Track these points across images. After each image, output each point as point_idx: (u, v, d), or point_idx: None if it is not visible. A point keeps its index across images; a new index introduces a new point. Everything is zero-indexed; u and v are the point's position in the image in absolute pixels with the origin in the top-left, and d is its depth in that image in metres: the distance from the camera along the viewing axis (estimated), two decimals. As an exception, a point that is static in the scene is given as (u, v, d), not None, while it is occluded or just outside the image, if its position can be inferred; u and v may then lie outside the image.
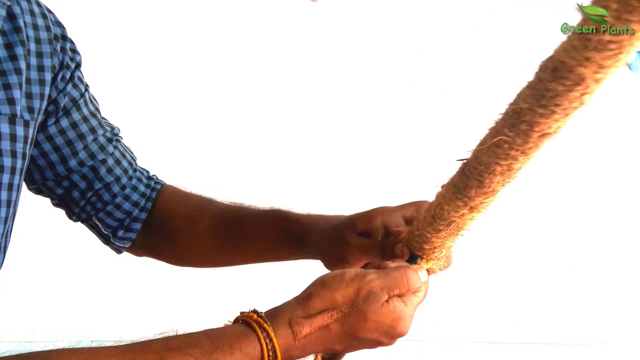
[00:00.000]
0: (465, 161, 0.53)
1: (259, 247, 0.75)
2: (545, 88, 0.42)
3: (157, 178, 0.84)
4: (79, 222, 0.80)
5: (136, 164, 0.82)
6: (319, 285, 0.54)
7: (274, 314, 0.52)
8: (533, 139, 0.45)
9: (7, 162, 0.61)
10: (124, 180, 0.77)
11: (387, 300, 0.54)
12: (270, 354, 0.50)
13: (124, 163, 0.78)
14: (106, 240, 0.80)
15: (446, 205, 0.55)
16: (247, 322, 0.52)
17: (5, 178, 0.61)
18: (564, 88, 0.41)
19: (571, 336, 2.20)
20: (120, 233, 0.79)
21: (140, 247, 0.82)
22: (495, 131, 0.48)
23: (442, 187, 0.57)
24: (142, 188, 0.79)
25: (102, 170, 0.74)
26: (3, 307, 1.76)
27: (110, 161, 0.75)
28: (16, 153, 0.62)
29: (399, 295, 0.55)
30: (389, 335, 0.55)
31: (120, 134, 0.80)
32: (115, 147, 0.77)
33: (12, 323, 1.78)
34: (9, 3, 0.63)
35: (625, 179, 2.19)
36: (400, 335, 0.55)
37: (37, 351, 0.45)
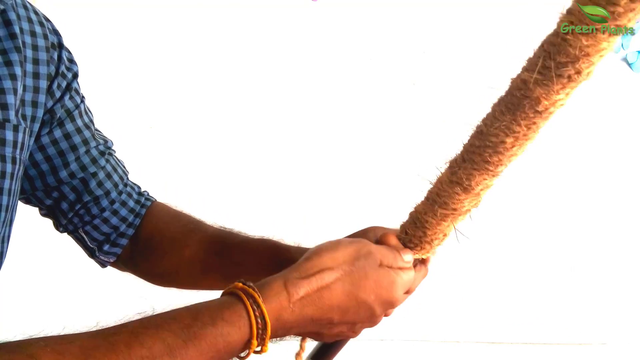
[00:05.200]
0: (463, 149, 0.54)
1: (246, 272, 0.72)
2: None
3: (147, 194, 0.83)
4: (65, 234, 0.79)
5: (127, 178, 0.80)
6: (315, 251, 0.52)
7: (265, 281, 0.50)
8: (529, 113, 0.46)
9: None
10: (114, 194, 0.76)
11: (380, 265, 0.55)
12: (259, 320, 0.47)
13: (115, 177, 0.77)
14: (91, 253, 0.80)
15: (445, 189, 0.56)
16: (232, 292, 0.49)
17: None
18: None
19: (571, 336, 2.20)
20: (106, 247, 0.78)
21: (125, 264, 0.81)
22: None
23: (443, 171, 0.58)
24: (131, 204, 0.78)
25: (93, 184, 0.73)
26: (6, 309, 1.76)
27: (101, 174, 0.74)
28: (5, 157, 0.61)
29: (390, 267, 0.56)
30: (384, 300, 0.54)
31: (113, 148, 0.79)
32: (107, 161, 0.76)
33: (10, 322, 1.79)
34: (2, 7, 0.62)
35: (625, 179, 2.19)
36: (394, 303, 0.55)
37: (9, 341, 0.43)
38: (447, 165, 0.56)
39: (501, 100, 0.48)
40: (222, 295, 0.51)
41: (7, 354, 0.41)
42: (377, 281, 0.53)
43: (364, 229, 0.68)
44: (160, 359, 0.43)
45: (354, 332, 0.56)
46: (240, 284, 0.49)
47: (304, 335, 0.55)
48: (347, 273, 0.51)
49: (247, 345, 0.47)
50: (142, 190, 0.83)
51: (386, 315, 0.57)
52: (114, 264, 0.81)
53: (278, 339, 0.52)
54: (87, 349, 0.42)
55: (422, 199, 0.60)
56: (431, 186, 0.58)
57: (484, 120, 0.50)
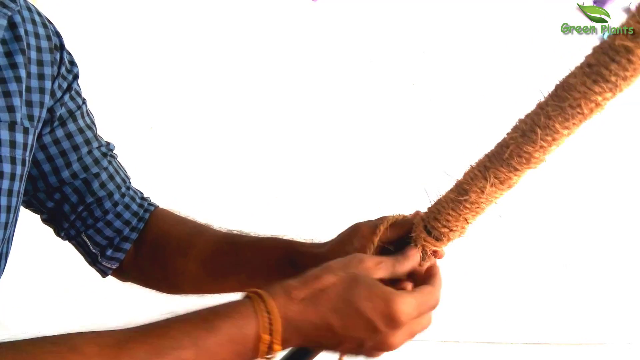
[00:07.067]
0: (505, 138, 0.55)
1: (255, 273, 0.72)
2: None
3: (150, 200, 0.81)
4: (67, 241, 0.77)
5: (130, 182, 0.79)
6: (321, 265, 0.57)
7: (272, 285, 0.54)
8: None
9: (7, 168, 0.61)
10: (117, 196, 0.75)
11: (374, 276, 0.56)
12: (265, 313, 0.51)
13: (118, 179, 0.76)
14: (93, 260, 0.78)
15: (477, 179, 0.56)
16: (245, 295, 0.54)
17: (5, 184, 0.60)
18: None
19: (571, 336, 2.20)
20: (109, 252, 0.76)
21: (129, 271, 0.79)
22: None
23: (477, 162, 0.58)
24: (134, 207, 0.77)
25: (95, 184, 0.73)
26: (7, 309, 1.76)
27: (104, 175, 0.74)
28: (15, 159, 0.62)
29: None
30: (383, 314, 0.53)
31: (115, 151, 0.78)
32: (110, 163, 0.75)
33: (11, 321, 1.79)
34: (9, 13, 0.63)
35: (624, 178, 2.19)
36: (397, 320, 0.53)
37: (48, 335, 0.47)
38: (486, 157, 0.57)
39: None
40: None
41: (50, 345, 0.45)
42: (370, 289, 0.54)
43: (349, 228, 0.67)
44: (186, 349, 0.48)
45: (366, 352, 0.56)
46: (252, 289, 0.54)
47: (314, 344, 0.56)
48: (341, 278, 0.54)
49: (258, 339, 0.51)
50: (145, 195, 0.82)
51: (398, 341, 0.56)
52: (115, 273, 0.80)
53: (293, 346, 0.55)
54: (122, 341, 0.47)
55: (448, 190, 0.60)
56: (460, 178, 0.59)
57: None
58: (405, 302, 0.54)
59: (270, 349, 0.52)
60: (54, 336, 0.47)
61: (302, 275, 0.55)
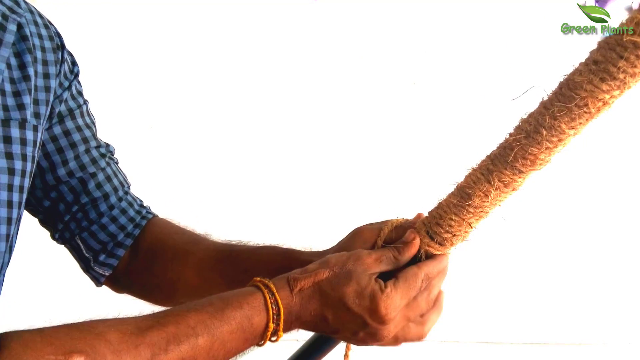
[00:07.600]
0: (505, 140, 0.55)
1: None
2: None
3: (149, 209, 0.80)
4: (62, 244, 0.77)
5: (129, 188, 0.78)
6: (321, 259, 0.61)
7: (277, 278, 0.59)
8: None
9: (19, 165, 0.61)
10: (113, 199, 0.74)
11: (376, 279, 0.58)
12: (273, 306, 0.56)
13: (115, 181, 0.75)
14: (86, 266, 0.77)
15: (477, 183, 0.56)
16: (252, 284, 0.58)
17: (17, 180, 0.61)
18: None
19: (571, 336, 2.20)
20: (102, 257, 0.75)
21: (123, 280, 0.78)
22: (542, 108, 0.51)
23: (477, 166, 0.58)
24: (131, 213, 0.76)
25: (91, 184, 0.72)
26: (11, 303, 1.76)
27: (101, 176, 0.73)
28: (26, 156, 0.63)
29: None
30: (370, 311, 0.56)
31: (115, 155, 0.78)
32: (108, 164, 0.75)
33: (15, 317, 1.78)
34: (19, 18, 0.64)
35: (625, 178, 2.19)
36: (384, 318, 0.57)
37: (74, 322, 0.49)
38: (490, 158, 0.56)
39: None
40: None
41: (76, 332, 0.48)
42: (359, 286, 0.57)
43: (351, 232, 0.68)
44: (201, 336, 0.52)
45: (361, 342, 0.60)
46: (259, 279, 0.58)
47: (313, 330, 0.61)
48: (335, 274, 0.57)
49: (266, 328, 0.56)
50: (145, 204, 0.81)
51: (391, 332, 0.58)
52: (109, 283, 0.78)
53: (294, 330, 0.60)
54: (142, 328, 0.50)
55: (450, 194, 0.60)
56: (461, 181, 0.59)
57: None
58: (389, 297, 0.57)
59: (274, 335, 0.57)
60: (77, 323, 0.49)
61: (303, 268, 0.59)
